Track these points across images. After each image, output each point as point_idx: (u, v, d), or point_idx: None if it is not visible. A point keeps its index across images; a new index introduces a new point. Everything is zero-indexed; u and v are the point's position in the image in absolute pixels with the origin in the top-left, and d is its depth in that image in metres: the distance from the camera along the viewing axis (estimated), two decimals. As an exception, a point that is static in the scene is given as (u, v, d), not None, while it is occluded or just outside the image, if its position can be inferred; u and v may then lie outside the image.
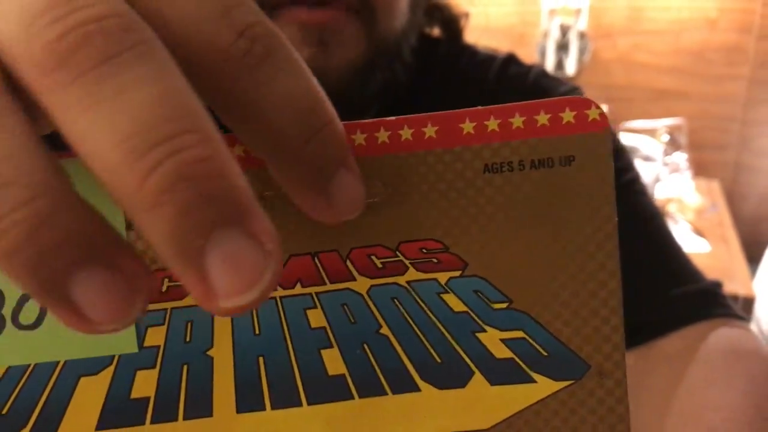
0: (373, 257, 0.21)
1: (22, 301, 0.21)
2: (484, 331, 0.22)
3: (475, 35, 0.63)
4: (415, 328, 0.22)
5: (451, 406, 0.22)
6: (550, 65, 1.98)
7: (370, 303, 0.21)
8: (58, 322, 0.21)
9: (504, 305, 0.22)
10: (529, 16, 2.01)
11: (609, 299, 0.22)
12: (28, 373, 0.21)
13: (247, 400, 0.21)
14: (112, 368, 0.21)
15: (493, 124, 0.21)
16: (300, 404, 0.21)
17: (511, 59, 0.58)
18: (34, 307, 0.21)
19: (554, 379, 0.22)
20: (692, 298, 0.49)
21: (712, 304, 0.49)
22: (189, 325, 0.21)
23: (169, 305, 0.21)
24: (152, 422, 0.21)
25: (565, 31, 1.98)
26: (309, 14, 0.44)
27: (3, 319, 0.21)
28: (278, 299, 0.21)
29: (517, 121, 0.21)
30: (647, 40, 1.97)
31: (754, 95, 1.90)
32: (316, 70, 0.18)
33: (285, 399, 0.21)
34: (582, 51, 1.98)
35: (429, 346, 0.22)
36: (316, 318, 0.21)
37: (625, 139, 1.79)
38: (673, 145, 1.81)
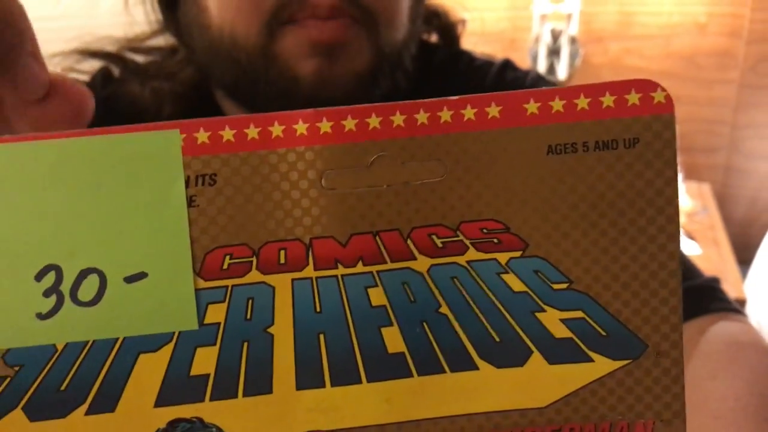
0: (434, 237, 0.21)
1: (81, 277, 0.21)
2: (544, 311, 0.22)
3: (467, 41, 0.64)
4: (475, 308, 0.22)
5: (509, 385, 0.22)
6: (541, 70, 1.98)
7: (430, 282, 0.22)
8: (117, 299, 0.21)
9: (564, 285, 0.22)
10: (520, 21, 2.01)
11: (669, 280, 0.22)
12: (86, 349, 0.21)
13: (307, 377, 0.21)
14: (171, 345, 0.21)
15: (558, 104, 0.21)
16: (360, 381, 0.21)
17: (507, 65, 0.59)
18: (93, 284, 0.21)
19: (612, 358, 0.22)
20: (691, 294, 0.50)
21: (711, 299, 0.50)
22: (250, 302, 0.21)
23: (229, 282, 0.21)
24: (212, 399, 0.21)
25: (556, 36, 1.98)
26: (320, 30, 0.45)
27: (61, 296, 0.21)
28: (340, 277, 0.21)
29: (582, 102, 0.21)
30: (638, 45, 1.98)
31: (744, 99, 1.92)
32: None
33: (345, 376, 0.21)
34: (573, 56, 1.99)
35: (488, 326, 0.22)
36: (377, 296, 0.21)
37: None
38: (664, 148, 1.82)
